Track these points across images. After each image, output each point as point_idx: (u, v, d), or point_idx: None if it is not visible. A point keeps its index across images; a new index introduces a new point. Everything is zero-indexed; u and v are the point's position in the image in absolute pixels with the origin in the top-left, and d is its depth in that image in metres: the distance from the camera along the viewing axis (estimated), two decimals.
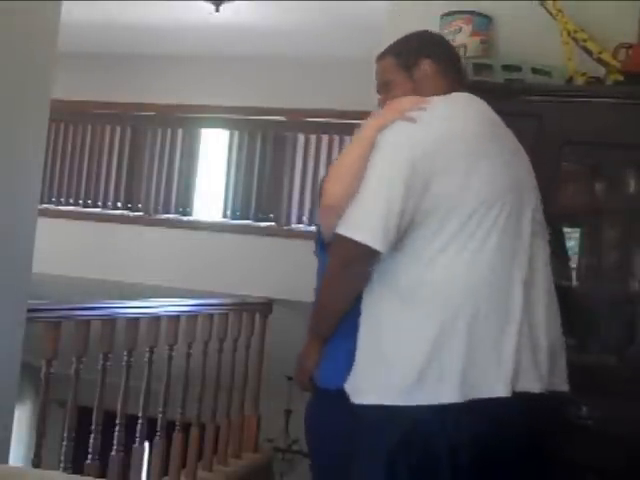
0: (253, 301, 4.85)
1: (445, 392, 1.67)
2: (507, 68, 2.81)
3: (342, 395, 1.77)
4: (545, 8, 2.83)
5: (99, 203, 6.50)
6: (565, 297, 2.38)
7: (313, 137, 5.82)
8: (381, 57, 2.05)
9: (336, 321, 1.85)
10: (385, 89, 2.01)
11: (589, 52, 2.80)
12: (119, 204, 6.48)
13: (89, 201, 6.53)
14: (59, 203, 6.52)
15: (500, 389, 1.69)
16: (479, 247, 1.73)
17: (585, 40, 2.79)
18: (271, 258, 5.45)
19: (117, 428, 3.51)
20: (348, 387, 1.76)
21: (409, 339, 1.71)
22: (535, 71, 2.78)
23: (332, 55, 5.70)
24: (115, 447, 3.50)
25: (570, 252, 3.02)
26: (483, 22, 3.00)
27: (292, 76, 6.03)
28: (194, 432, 4.10)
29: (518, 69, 2.80)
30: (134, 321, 3.53)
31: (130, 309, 3.59)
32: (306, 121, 5.83)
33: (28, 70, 2.53)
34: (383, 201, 1.72)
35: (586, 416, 2.57)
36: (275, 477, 5.36)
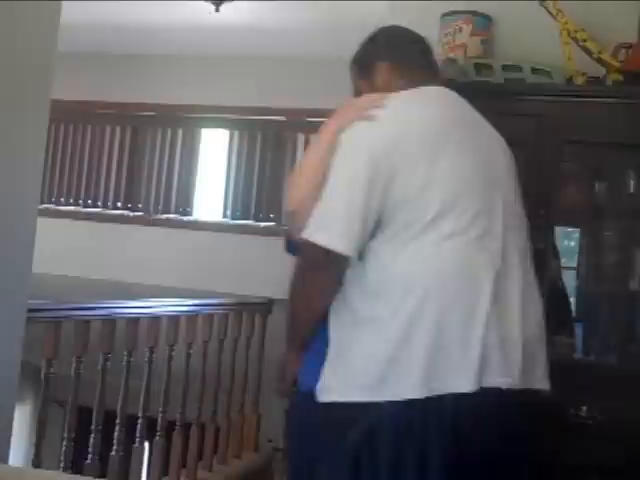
0: (253, 301, 4.85)
1: (409, 387, 1.64)
2: (507, 68, 2.81)
3: (313, 396, 1.76)
4: (545, 8, 2.83)
5: (99, 203, 6.50)
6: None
7: (313, 137, 5.81)
8: (350, 66, 2.05)
9: (310, 329, 1.81)
10: (358, 95, 2.00)
11: (589, 52, 2.80)
12: (119, 204, 6.48)
13: (89, 201, 6.53)
14: (59, 203, 6.53)
15: (465, 384, 1.65)
16: (443, 242, 1.69)
17: (585, 40, 2.79)
18: (271, 258, 5.42)
19: (117, 428, 3.51)
20: (317, 387, 1.74)
21: (374, 336, 1.69)
22: (535, 71, 2.78)
23: (332, 55, 5.68)
24: (115, 447, 3.50)
25: (570, 252, 3.03)
26: (483, 22, 3.00)
27: (292, 76, 6.03)
28: (194, 432, 4.11)
29: (518, 69, 2.80)
30: (134, 321, 3.53)
31: (130, 309, 3.59)
32: (306, 121, 5.82)
33: (28, 70, 2.53)
34: (345, 203, 1.70)
35: (586, 416, 2.57)
36: (275, 477, 5.36)
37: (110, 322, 3.34)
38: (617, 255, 2.97)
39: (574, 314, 2.99)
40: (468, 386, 1.65)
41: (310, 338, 1.82)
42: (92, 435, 3.31)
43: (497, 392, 1.69)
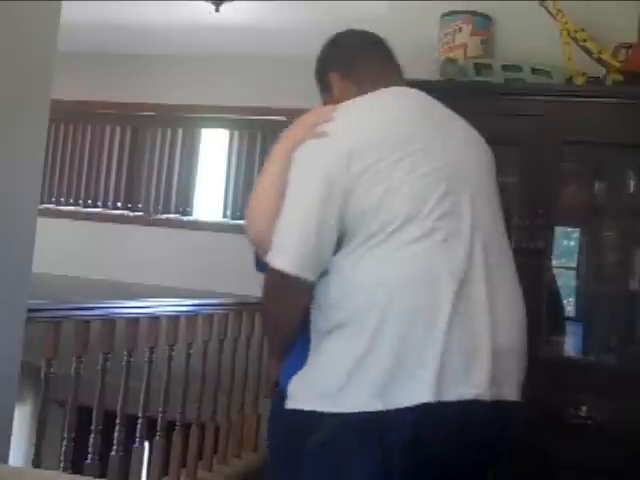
0: (253, 301, 4.84)
1: (366, 400, 1.60)
2: (507, 68, 2.81)
3: (283, 392, 1.76)
4: (545, 8, 2.83)
5: (99, 203, 6.50)
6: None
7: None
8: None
9: (283, 342, 1.81)
10: None
11: (589, 52, 2.81)
12: (119, 204, 6.49)
13: (89, 201, 6.54)
14: (59, 203, 6.53)
15: (423, 396, 1.58)
16: (404, 248, 1.63)
17: (585, 40, 2.80)
18: None
19: (117, 428, 3.51)
20: (287, 393, 1.74)
21: (337, 348, 1.66)
22: (535, 71, 2.78)
23: None
24: (115, 447, 3.49)
25: (570, 252, 3.03)
26: (483, 22, 3.01)
27: (292, 76, 6.02)
28: (194, 432, 4.10)
29: (518, 69, 2.80)
30: (134, 321, 3.53)
31: (130, 309, 3.59)
32: None
33: (28, 70, 2.53)
34: (300, 227, 1.67)
35: (586, 416, 2.57)
36: None
37: (110, 322, 3.34)
38: (617, 255, 2.97)
39: (574, 314, 2.99)
40: (425, 398, 1.58)
41: (288, 345, 1.81)
42: (92, 435, 3.31)
43: (461, 403, 1.61)
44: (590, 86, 2.79)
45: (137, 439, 3.65)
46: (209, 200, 6.39)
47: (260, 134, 6.17)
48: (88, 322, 3.20)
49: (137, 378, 3.60)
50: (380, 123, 1.74)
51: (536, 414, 2.49)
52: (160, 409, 3.81)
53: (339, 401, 1.62)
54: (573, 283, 3.02)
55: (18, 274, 2.55)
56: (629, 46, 2.80)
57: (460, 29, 2.95)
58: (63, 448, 3.16)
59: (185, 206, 6.35)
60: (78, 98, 6.18)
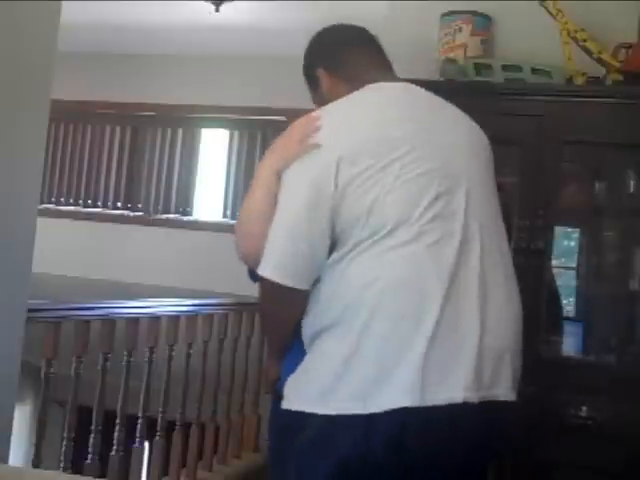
0: (253, 301, 4.83)
1: (352, 402, 1.60)
2: (507, 68, 2.81)
3: (279, 393, 1.79)
4: (545, 8, 2.83)
5: (99, 203, 6.51)
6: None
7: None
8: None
9: (281, 343, 1.84)
10: (317, 105, 1.94)
11: (589, 52, 2.81)
12: (119, 204, 6.49)
13: (89, 201, 6.54)
14: (59, 203, 6.54)
15: (404, 400, 1.57)
16: (393, 251, 1.62)
17: (585, 40, 2.80)
18: None
19: (117, 428, 3.51)
20: (283, 392, 1.76)
21: (328, 349, 1.67)
22: (535, 71, 2.78)
23: None
24: (115, 447, 3.49)
25: (570, 252, 3.03)
26: (483, 22, 3.01)
27: (292, 76, 6.01)
28: (194, 432, 4.10)
29: (518, 69, 2.80)
30: (134, 321, 3.53)
31: (130, 309, 3.59)
32: None
33: (28, 70, 2.53)
34: (288, 237, 1.67)
35: (586, 416, 2.57)
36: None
37: (110, 322, 3.34)
38: (617, 255, 2.97)
39: (574, 314, 2.99)
40: (408, 401, 1.57)
41: (286, 346, 1.82)
42: (92, 435, 3.31)
43: (446, 407, 1.59)
44: (590, 86, 2.79)
45: (137, 439, 3.65)
46: (209, 200, 6.39)
47: (260, 134, 6.17)
48: (88, 322, 3.20)
49: (137, 378, 3.60)
50: (368, 128, 1.70)
51: (536, 414, 2.49)
52: (160, 409, 3.81)
53: (327, 403, 1.62)
54: (573, 283, 3.02)
55: (18, 274, 2.55)
56: (629, 46, 2.80)
57: (460, 29, 2.95)
58: (63, 448, 3.16)
59: (185, 206, 6.35)
60: (78, 98, 6.19)
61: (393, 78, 1.88)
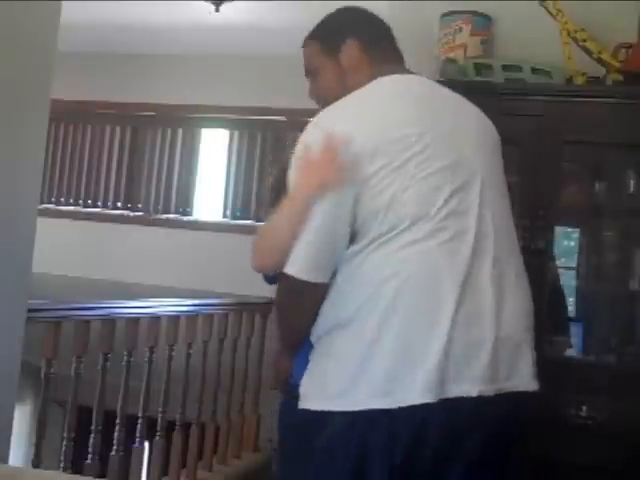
0: (253, 301, 4.85)
1: (372, 398, 1.61)
2: (507, 68, 2.81)
3: (294, 391, 1.77)
4: (545, 8, 2.83)
5: (99, 203, 6.50)
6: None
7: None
8: (306, 42, 1.94)
9: (298, 340, 1.82)
10: (313, 77, 1.92)
11: (589, 52, 2.81)
12: (119, 204, 6.48)
13: (89, 201, 6.54)
14: (59, 203, 6.53)
15: (424, 394, 1.59)
16: (410, 247, 1.64)
17: (585, 40, 2.80)
18: None
19: (117, 428, 3.51)
20: (300, 393, 1.76)
21: (342, 346, 1.67)
22: (535, 71, 2.78)
23: None
24: (115, 447, 3.49)
25: (570, 252, 3.03)
26: (483, 22, 3.01)
27: (292, 76, 6.01)
28: (194, 432, 4.10)
29: (518, 69, 2.80)
30: (134, 321, 3.53)
31: (130, 309, 3.59)
32: (306, 121, 5.80)
33: (28, 70, 2.53)
34: (314, 235, 1.67)
35: (586, 416, 2.57)
36: (275, 477, 5.36)
37: (110, 322, 3.34)
38: (617, 255, 2.97)
39: (574, 314, 2.99)
40: (428, 396, 1.59)
41: (301, 343, 1.82)
42: (92, 435, 3.31)
43: (465, 400, 1.61)
44: (590, 86, 2.79)
45: (137, 439, 3.65)
46: (209, 200, 6.39)
47: (260, 134, 6.17)
48: (88, 322, 3.20)
49: (137, 378, 3.60)
50: (385, 125, 1.70)
51: (536, 413, 2.49)
52: (160, 409, 3.81)
53: (347, 400, 1.63)
54: (573, 283, 3.02)
55: (18, 274, 2.55)
56: (629, 46, 2.80)
57: (460, 29, 2.95)
58: (63, 448, 3.16)
59: (185, 206, 6.34)
60: (78, 98, 6.18)
61: (408, 71, 1.89)
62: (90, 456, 3.28)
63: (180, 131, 6.39)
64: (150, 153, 6.44)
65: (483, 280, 1.68)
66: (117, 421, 3.50)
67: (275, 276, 1.78)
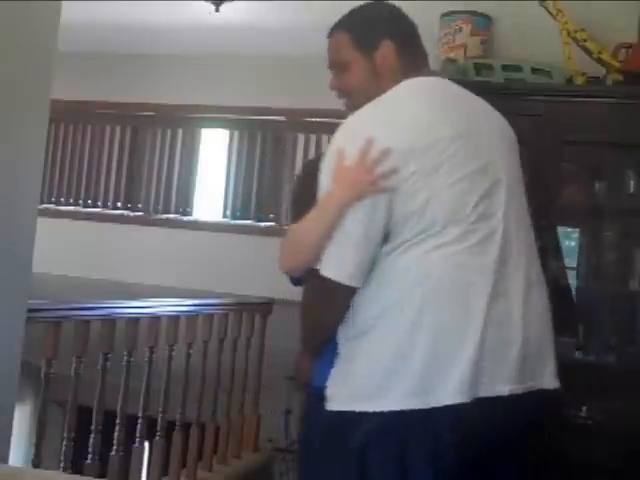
0: (253, 301, 4.85)
1: (405, 399, 1.63)
2: (507, 68, 2.82)
3: (320, 393, 1.77)
4: (545, 8, 2.83)
5: (99, 203, 6.50)
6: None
7: (313, 137, 5.82)
8: (335, 31, 1.89)
9: (323, 341, 1.83)
10: (340, 70, 1.88)
11: (589, 52, 2.81)
12: (119, 204, 6.48)
13: (89, 201, 6.53)
14: (59, 203, 6.53)
15: (457, 394, 1.62)
16: (441, 250, 1.67)
17: (585, 40, 2.80)
18: (271, 258, 5.40)
19: (117, 428, 3.51)
20: (326, 394, 1.76)
21: (375, 346, 1.69)
22: (535, 71, 2.78)
23: None
24: (115, 447, 3.49)
25: (570, 252, 3.03)
26: (483, 22, 3.01)
27: (292, 76, 6.03)
28: (194, 432, 4.10)
29: (518, 69, 2.80)
30: (134, 321, 3.53)
31: (130, 309, 3.59)
32: (306, 121, 5.83)
33: (28, 70, 2.53)
34: (351, 238, 1.69)
35: (586, 416, 2.57)
36: (275, 477, 5.36)
37: (110, 322, 3.34)
38: (617, 255, 2.97)
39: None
40: (461, 396, 1.62)
41: (324, 344, 1.82)
42: (92, 435, 3.31)
43: (498, 399, 1.66)
44: (590, 86, 2.79)
45: (137, 439, 3.65)
46: (209, 200, 6.39)
47: (260, 134, 6.17)
48: (88, 322, 3.20)
49: (137, 378, 3.60)
50: (421, 129, 1.71)
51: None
52: (160, 409, 3.81)
53: (380, 400, 1.65)
54: (573, 283, 3.02)
55: (18, 274, 2.55)
56: (629, 46, 2.80)
57: (460, 29, 2.95)
58: (63, 448, 3.16)
59: (185, 206, 6.34)
60: (78, 98, 6.18)
61: (433, 73, 1.91)
62: (90, 456, 3.28)
63: (180, 131, 6.39)
64: (150, 153, 6.43)
65: (511, 282, 1.73)
66: (117, 421, 3.50)
67: (301, 278, 1.81)
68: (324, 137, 5.75)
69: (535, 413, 1.78)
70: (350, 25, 1.88)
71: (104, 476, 3.34)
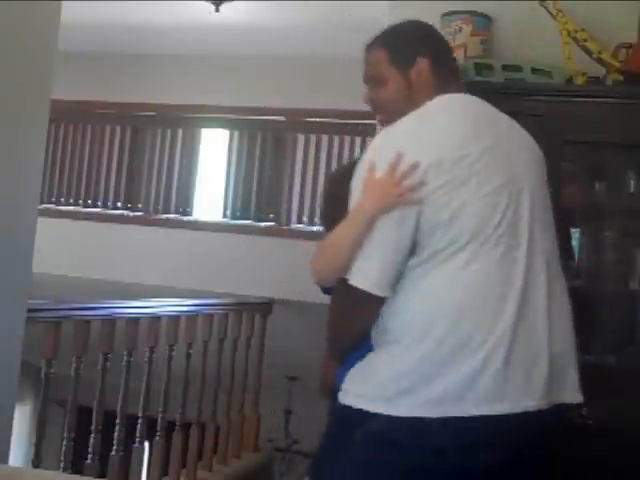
0: (253, 301, 4.86)
1: (428, 407, 1.66)
2: (507, 68, 2.81)
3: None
4: (545, 8, 2.83)
5: (99, 203, 6.50)
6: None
7: (313, 137, 5.82)
8: (373, 47, 1.95)
9: (349, 348, 1.86)
10: (375, 84, 1.93)
11: (589, 52, 2.80)
12: (119, 204, 6.48)
13: (89, 201, 6.53)
14: (59, 203, 6.52)
15: (482, 408, 1.66)
16: (468, 265, 1.70)
17: (585, 40, 2.79)
18: (271, 258, 5.45)
19: (117, 428, 3.51)
20: (341, 388, 1.81)
21: (396, 354, 1.73)
22: (535, 71, 2.78)
23: (332, 55, 5.70)
24: (115, 447, 3.50)
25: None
26: (483, 22, 3.00)
27: (292, 76, 6.03)
28: (194, 432, 4.11)
29: (518, 69, 2.80)
30: (134, 321, 3.53)
31: (130, 309, 3.59)
32: (306, 121, 5.83)
33: (28, 70, 2.53)
34: (381, 249, 1.73)
35: (586, 416, 2.57)
36: (275, 477, 5.36)
37: (110, 322, 3.34)
38: (617, 255, 2.97)
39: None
40: (487, 410, 1.66)
41: (351, 349, 1.86)
42: (92, 435, 3.31)
43: (522, 414, 1.69)
44: (590, 86, 2.79)
45: (137, 439, 3.66)
46: (209, 200, 6.39)
47: (260, 134, 6.17)
48: (88, 322, 3.21)
49: (137, 378, 3.60)
50: (451, 144, 1.76)
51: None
52: (160, 409, 3.81)
53: (392, 405, 1.68)
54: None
55: (18, 274, 2.55)
56: (629, 46, 2.80)
57: (460, 29, 2.95)
58: (63, 448, 3.16)
59: (185, 206, 6.34)
60: (78, 98, 6.18)
61: (463, 89, 1.96)
62: (90, 456, 3.28)
63: (180, 131, 6.38)
64: (150, 153, 6.43)
65: (536, 296, 1.76)
66: (117, 421, 3.50)
67: (332, 287, 1.84)
68: (324, 137, 5.77)
69: (554, 424, 1.81)
70: (387, 42, 1.95)
71: (104, 476, 3.34)
